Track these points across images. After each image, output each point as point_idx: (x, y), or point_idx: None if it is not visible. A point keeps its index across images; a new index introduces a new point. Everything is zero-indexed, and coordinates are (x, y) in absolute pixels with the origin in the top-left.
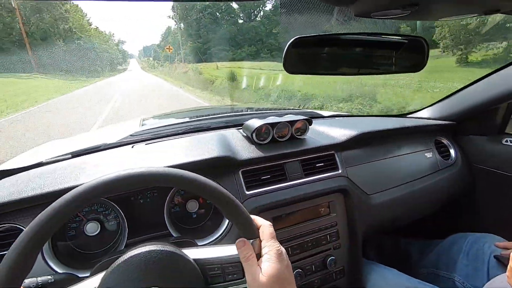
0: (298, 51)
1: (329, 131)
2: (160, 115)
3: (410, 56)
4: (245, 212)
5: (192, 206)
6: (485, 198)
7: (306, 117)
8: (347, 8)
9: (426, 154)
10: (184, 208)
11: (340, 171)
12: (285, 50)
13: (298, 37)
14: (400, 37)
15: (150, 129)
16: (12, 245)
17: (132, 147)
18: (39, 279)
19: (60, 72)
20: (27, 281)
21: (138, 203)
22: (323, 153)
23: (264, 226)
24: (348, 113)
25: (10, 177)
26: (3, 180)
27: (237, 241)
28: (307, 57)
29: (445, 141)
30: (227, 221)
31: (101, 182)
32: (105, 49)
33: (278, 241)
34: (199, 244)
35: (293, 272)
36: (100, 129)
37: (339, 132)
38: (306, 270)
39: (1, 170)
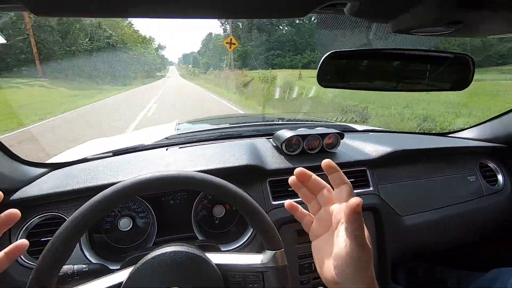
0: (333, 65)
1: (362, 146)
2: (194, 120)
3: (453, 73)
4: (270, 222)
5: (219, 211)
6: None
7: (338, 131)
8: (385, 25)
9: (468, 178)
10: (211, 213)
11: (371, 189)
12: (320, 63)
13: (334, 51)
14: (443, 54)
15: (184, 133)
16: (56, 232)
17: (167, 149)
18: (75, 266)
19: (95, 78)
20: (65, 267)
21: (169, 204)
22: (354, 168)
23: (349, 186)
24: (384, 129)
25: (58, 170)
26: (52, 172)
27: (352, 200)
28: (342, 71)
29: (491, 165)
30: (251, 229)
31: (137, 182)
32: (143, 53)
33: (300, 256)
34: (222, 249)
35: None
36: (138, 130)
37: (372, 148)
38: None
39: (51, 163)
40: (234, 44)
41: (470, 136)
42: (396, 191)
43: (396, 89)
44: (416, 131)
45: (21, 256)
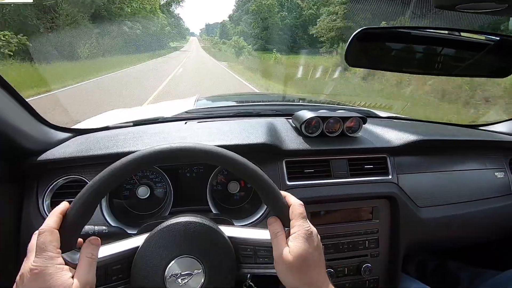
0: (363, 44)
1: (384, 133)
2: (214, 96)
3: (496, 59)
4: (283, 200)
5: (234, 187)
6: None
7: (360, 115)
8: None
9: (496, 174)
10: (226, 188)
11: (390, 177)
12: (348, 41)
13: (364, 28)
14: (485, 36)
15: (204, 108)
16: (79, 194)
17: (186, 123)
18: (96, 227)
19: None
20: (86, 227)
21: (185, 176)
22: (374, 155)
23: (294, 205)
24: (408, 117)
25: (82, 136)
26: (76, 137)
27: (269, 218)
28: (373, 50)
29: None
30: (264, 207)
31: (155, 151)
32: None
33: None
34: (235, 224)
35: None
36: (159, 103)
37: (395, 135)
38: (338, 271)
39: (75, 129)
40: None
41: (503, 130)
42: (416, 182)
43: (430, 72)
44: (443, 121)
45: (48, 215)
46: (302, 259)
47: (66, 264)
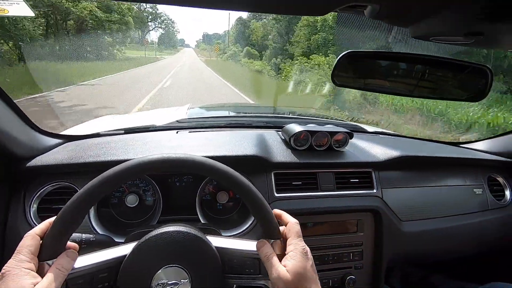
0: (349, 65)
1: (369, 148)
2: (205, 106)
3: (471, 84)
4: (270, 213)
5: (222, 197)
6: None
7: (347, 130)
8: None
9: (475, 190)
10: (214, 198)
11: (374, 191)
12: (336, 61)
13: (351, 51)
14: (461, 63)
15: (195, 118)
16: (68, 201)
17: (177, 132)
18: (84, 235)
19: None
20: (74, 235)
21: (175, 185)
22: (359, 169)
23: (291, 223)
24: (394, 132)
25: (72, 142)
26: (67, 144)
27: (257, 242)
28: (358, 72)
29: (500, 180)
30: (252, 218)
31: (147, 161)
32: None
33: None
34: (223, 234)
35: None
36: (150, 111)
37: (380, 150)
38: (323, 283)
39: (66, 135)
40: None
41: (482, 148)
42: (399, 196)
43: (411, 94)
44: (427, 138)
45: (34, 222)
46: (300, 276)
47: (38, 271)
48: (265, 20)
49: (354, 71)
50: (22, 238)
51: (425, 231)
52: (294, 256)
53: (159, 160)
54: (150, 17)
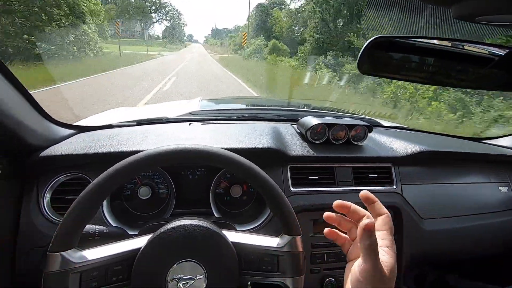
0: (377, 52)
1: (389, 142)
2: (218, 98)
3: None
4: (290, 207)
5: (236, 191)
6: None
7: (366, 123)
8: (446, 9)
9: (500, 188)
10: (228, 192)
11: (394, 187)
12: (362, 48)
13: (378, 37)
14: (495, 48)
15: (208, 110)
16: (82, 193)
17: (189, 124)
18: (97, 227)
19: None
20: (87, 226)
21: (187, 178)
22: (379, 164)
23: (387, 217)
24: (411, 127)
25: (85, 133)
26: (79, 134)
27: (368, 222)
28: (386, 59)
29: None
30: (267, 212)
31: (161, 152)
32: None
33: (314, 246)
34: (237, 229)
35: (325, 280)
36: (162, 103)
37: (400, 145)
38: (338, 280)
39: (79, 126)
40: None
41: (507, 144)
42: (420, 193)
43: (444, 83)
44: (448, 133)
45: (48, 212)
46: (393, 275)
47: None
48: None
49: (382, 58)
50: (36, 228)
51: (446, 229)
52: (388, 252)
53: (173, 151)
54: (153, 7)
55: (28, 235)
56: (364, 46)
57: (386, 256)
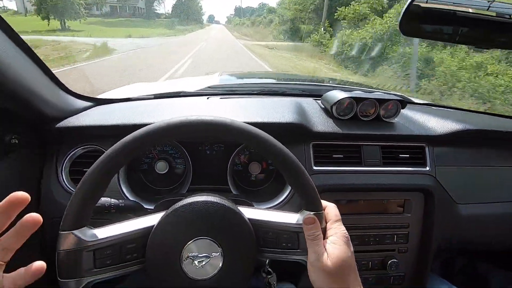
0: (417, 13)
1: (424, 120)
2: (238, 73)
3: None
4: (311, 183)
5: (254, 168)
6: None
7: (399, 98)
8: None
9: None
10: (246, 169)
11: (428, 169)
12: (404, 8)
13: None
14: None
15: (227, 84)
16: (93, 164)
17: (208, 98)
18: (112, 200)
19: None
20: (102, 199)
21: (205, 154)
22: (411, 143)
23: (330, 207)
24: (447, 105)
25: (103, 105)
26: (97, 107)
27: (305, 216)
28: (427, 20)
29: None
30: (288, 190)
31: (172, 124)
32: None
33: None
34: (255, 207)
35: None
36: (181, 78)
37: (437, 123)
38: (360, 264)
39: (97, 98)
40: None
41: None
42: (456, 175)
43: (491, 45)
44: (488, 112)
45: (67, 184)
46: (342, 263)
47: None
48: None
49: (424, 19)
50: (55, 199)
51: (485, 215)
52: (336, 241)
53: (188, 122)
54: None
55: (50, 206)
56: (406, 5)
57: (332, 247)
